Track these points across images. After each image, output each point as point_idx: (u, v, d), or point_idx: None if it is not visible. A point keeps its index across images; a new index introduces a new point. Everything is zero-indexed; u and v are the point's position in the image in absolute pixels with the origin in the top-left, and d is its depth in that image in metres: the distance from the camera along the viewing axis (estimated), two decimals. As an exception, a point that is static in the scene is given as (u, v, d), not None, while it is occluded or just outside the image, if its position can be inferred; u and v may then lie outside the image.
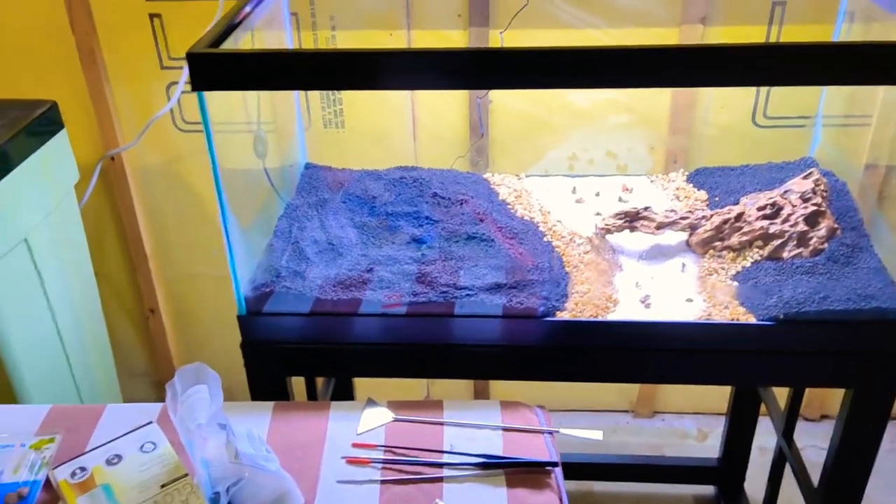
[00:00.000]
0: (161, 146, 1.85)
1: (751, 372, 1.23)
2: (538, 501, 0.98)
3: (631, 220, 1.35)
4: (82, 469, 0.97)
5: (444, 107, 1.78)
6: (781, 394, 1.59)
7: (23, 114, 1.48)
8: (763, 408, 1.66)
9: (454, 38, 1.69)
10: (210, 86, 1.03)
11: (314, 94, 1.76)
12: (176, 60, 1.74)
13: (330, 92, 1.75)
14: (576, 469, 1.84)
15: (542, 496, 0.99)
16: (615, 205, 1.48)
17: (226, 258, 1.18)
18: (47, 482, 1.00)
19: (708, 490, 1.92)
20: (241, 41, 1.18)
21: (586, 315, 1.19)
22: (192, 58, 1.02)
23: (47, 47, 1.73)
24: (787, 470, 1.54)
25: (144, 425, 1.03)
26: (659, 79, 1.07)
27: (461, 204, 1.45)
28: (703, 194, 1.49)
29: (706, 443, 2.07)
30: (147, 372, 2.11)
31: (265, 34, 1.50)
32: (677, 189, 1.52)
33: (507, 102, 1.76)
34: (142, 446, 1.00)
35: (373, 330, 1.22)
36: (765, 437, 1.81)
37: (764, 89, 1.69)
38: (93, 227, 1.84)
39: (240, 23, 1.17)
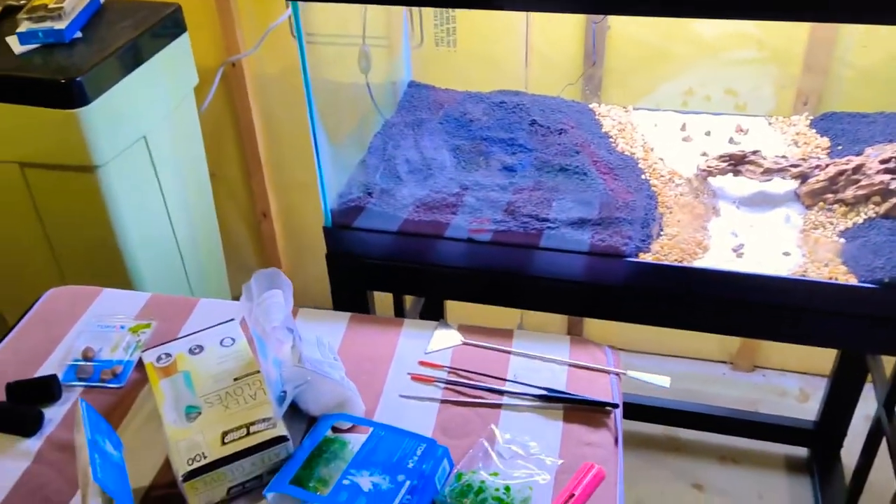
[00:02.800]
0: (279, 55, 1.89)
1: (846, 336, 1.15)
2: (593, 439, 0.98)
3: (736, 163, 1.27)
4: (168, 355, 1.04)
5: (560, 31, 1.71)
6: (890, 362, 1.49)
7: (148, 15, 1.55)
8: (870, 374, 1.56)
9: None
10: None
11: (427, 12, 1.73)
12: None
13: (444, 10, 1.72)
14: (662, 413, 1.82)
15: (596, 435, 0.98)
16: (724, 146, 1.39)
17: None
18: (139, 363, 1.09)
19: (800, 452, 1.85)
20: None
21: (671, 259, 1.14)
22: (288, -32, 1.02)
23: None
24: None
25: (227, 322, 1.10)
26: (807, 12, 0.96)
27: (559, 133, 1.41)
28: (825, 142, 1.37)
29: (807, 404, 1.98)
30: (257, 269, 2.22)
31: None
32: (797, 134, 1.41)
33: (626, 29, 1.67)
34: (222, 340, 1.06)
35: (454, 254, 1.23)
36: (871, 404, 1.70)
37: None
38: (212, 130, 1.93)
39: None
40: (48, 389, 1.05)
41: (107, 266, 1.54)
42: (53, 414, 1.03)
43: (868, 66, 1.57)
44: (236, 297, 1.15)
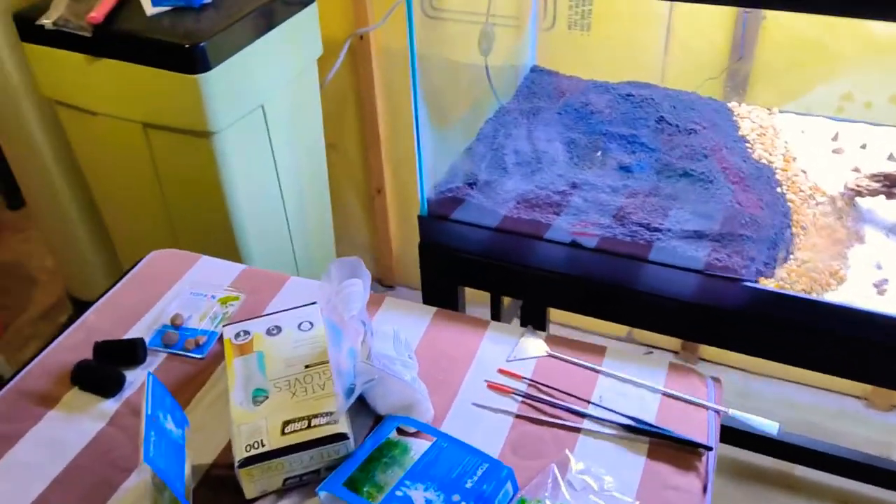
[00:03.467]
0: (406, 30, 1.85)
1: None
2: (678, 483, 0.88)
3: (892, 184, 1.10)
4: (246, 332, 1.03)
5: (707, 19, 1.56)
6: None
7: (277, -17, 1.54)
8: None
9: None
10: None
11: (562, -9, 1.63)
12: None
13: (581, -11, 1.61)
14: (776, 446, 1.65)
15: (683, 478, 0.88)
16: (881, 163, 1.22)
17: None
18: (221, 336, 1.09)
19: (937, 509, 1.64)
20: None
21: (797, 288, 1.01)
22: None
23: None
24: None
25: (308, 304, 1.07)
26: None
27: (689, 134, 1.29)
28: None
29: (952, 456, 1.75)
30: (366, 246, 2.22)
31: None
32: (975, 155, 1.21)
33: (783, 21, 1.50)
34: (300, 324, 1.04)
35: (553, 257, 1.15)
36: None
37: None
38: (334, 101, 1.92)
39: None
40: (133, 352, 1.07)
41: (216, 232, 1.56)
42: (135, 377, 1.05)
43: None
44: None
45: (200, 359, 1.07)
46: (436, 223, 1.18)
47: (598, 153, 1.26)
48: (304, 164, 1.74)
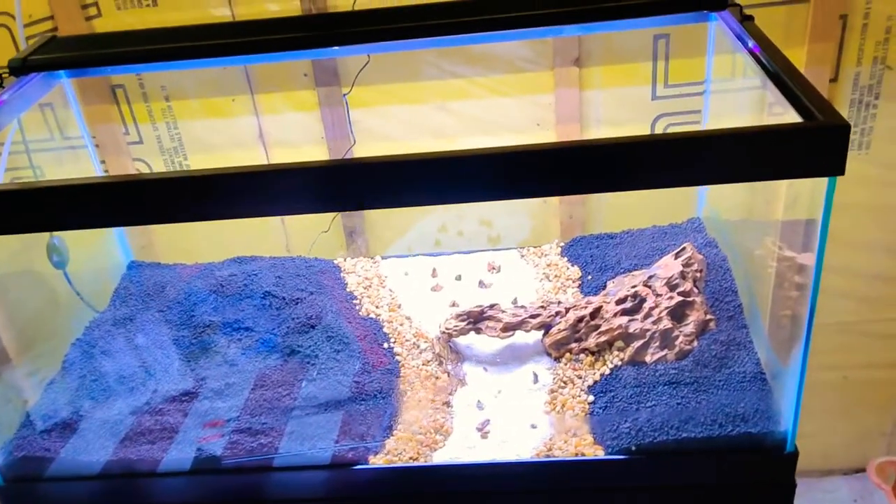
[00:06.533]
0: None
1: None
2: None
3: (475, 321, 1.16)
4: None
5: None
6: None
7: None
8: None
9: (304, 98, 1.49)
10: None
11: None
12: None
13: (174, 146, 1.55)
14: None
15: None
16: (474, 291, 1.29)
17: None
18: None
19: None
20: None
21: (405, 458, 1.00)
22: None
23: None
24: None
25: None
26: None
27: (295, 304, 1.27)
28: (575, 271, 1.29)
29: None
30: None
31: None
32: (548, 266, 1.33)
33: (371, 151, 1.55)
34: None
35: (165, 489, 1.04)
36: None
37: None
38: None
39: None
40: None
41: None
42: None
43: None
44: None
45: None
46: (18, 490, 1.02)
47: (210, 354, 1.19)
48: None
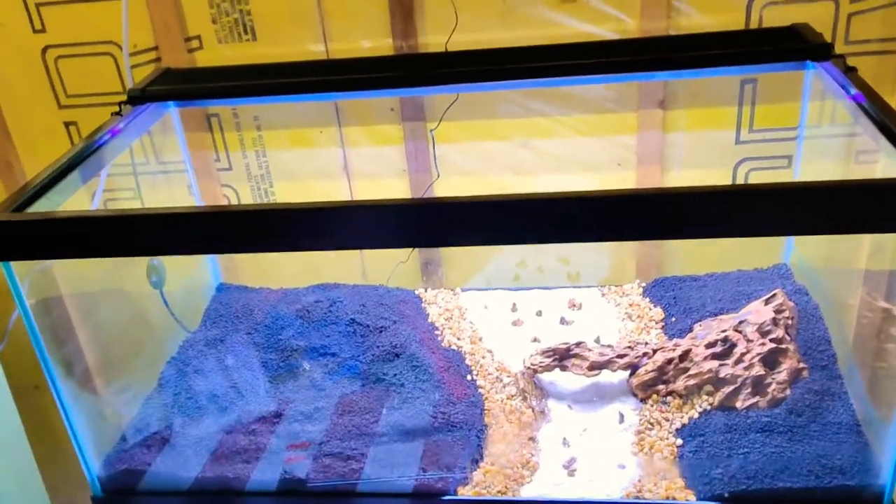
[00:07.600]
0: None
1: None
2: None
3: (561, 357, 1.16)
4: None
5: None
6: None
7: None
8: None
9: (389, 132, 1.53)
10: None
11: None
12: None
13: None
14: None
15: None
16: (556, 328, 1.29)
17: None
18: None
19: None
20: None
21: (493, 491, 1.00)
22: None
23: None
24: None
25: None
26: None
27: (380, 332, 1.29)
28: (658, 312, 1.29)
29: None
30: None
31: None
32: (630, 305, 1.33)
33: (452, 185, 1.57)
34: None
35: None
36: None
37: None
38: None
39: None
40: None
41: None
42: None
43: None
44: None
45: None
46: (113, 502, 1.05)
47: (297, 377, 1.21)
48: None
